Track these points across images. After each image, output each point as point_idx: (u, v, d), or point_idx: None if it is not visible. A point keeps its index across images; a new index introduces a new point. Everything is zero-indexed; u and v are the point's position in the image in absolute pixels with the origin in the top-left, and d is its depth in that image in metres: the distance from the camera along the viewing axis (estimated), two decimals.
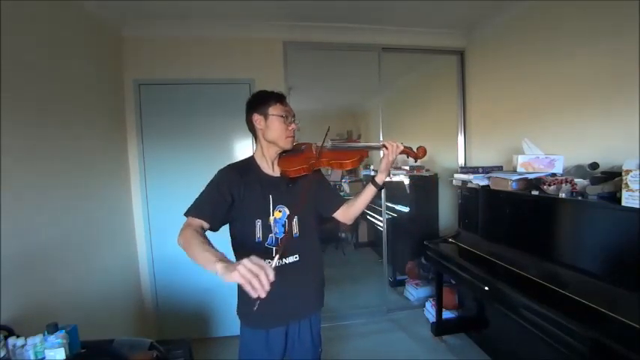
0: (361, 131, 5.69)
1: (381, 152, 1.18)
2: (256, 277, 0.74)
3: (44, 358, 1.09)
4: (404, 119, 4.19)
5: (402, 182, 3.54)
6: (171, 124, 2.45)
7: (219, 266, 0.80)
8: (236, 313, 1.20)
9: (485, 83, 2.66)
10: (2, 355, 1.07)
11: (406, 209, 3.49)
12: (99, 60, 2.12)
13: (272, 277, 0.76)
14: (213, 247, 0.90)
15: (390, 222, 3.33)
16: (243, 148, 2.53)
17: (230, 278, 0.76)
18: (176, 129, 2.46)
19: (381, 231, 3.09)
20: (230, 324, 2.55)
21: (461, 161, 2.95)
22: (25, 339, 1.09)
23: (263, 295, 0.75)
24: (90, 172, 1.95)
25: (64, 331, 1.14)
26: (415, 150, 1.19)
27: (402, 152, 1.16)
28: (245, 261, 0.76)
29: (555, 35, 1.95)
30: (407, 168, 3.48)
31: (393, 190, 3.66)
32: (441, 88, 3.25)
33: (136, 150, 2.43)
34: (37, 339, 1.09)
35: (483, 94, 2.70)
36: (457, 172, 2.37)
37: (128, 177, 2.43)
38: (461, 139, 2.96)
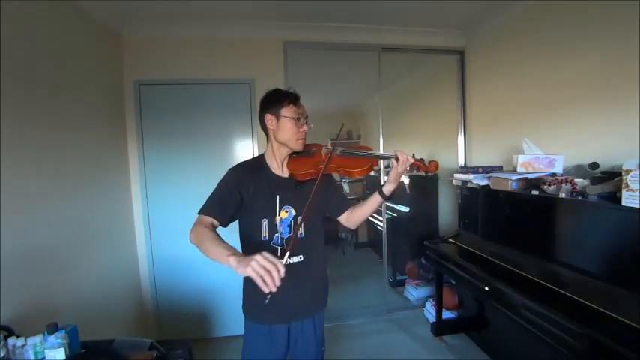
0: (361, 131, 5.69)
1: (392, 162, 1.14)
2: (268, 272, 0.79)
3: (44, 358, 1.09)
4: (404, 119, 4.19)
5: (402, 182, 3.54)
6: (171, 124, 2.46)
7: (232, 259, 0.84)
8: (241, 308, 1.22)
9: (486, 83, 2.66)
10: (2, 355, 1.07)
11: (406, 209, 3.49)
12: (99, 60, 2.12)
13: (283, 272, 0.80)
14: (224, 241, 0.94)
15: (390, 222, 3.33)
16: (243, 148, 2.53)
17: (243, 272, 0.80)
18: (176, 129, 2.46)
19: (381, 231, 3.09)
20: (230, 324, 2.55)
21: (461, 161, 2.95)
22: (25, 339, 1.09)
23: (274, 289, 0.79)
24: (90, 172, 1.95)
25: (64, 331, 1.14)
26: (427, 164, 1.15)
27: (412, 165, 1.13)
28: (258, 256, 0.80)
29: (555, 35, 1.95)
30: (407, 168, 3.48)
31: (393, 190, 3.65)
32: (441, 88, 3.25)
33: (136, 150, 2.43)
34: (37, 339, 1.09)
35: (483, 94, 2.70)
36: (457, 172, 2.37)
37: (128, 177, 2.43)
38: (461, 139, 2.96)
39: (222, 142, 2.52)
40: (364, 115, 5.56)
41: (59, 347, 1.09)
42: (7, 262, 1.30)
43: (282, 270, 0.80)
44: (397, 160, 1.11)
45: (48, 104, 1.62)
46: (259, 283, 0.79)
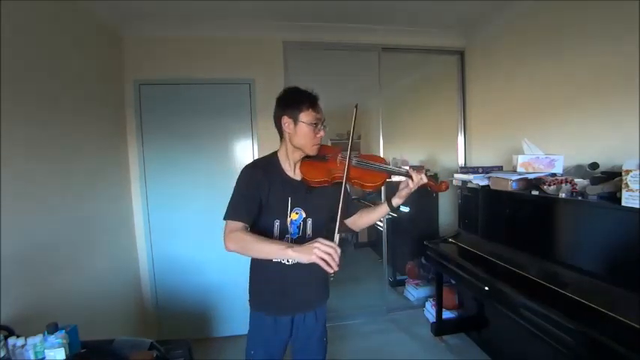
0: (361, 131, 5.68)
1: (402, 179, 1.18)
2: (330, 256, 0.89)
3: (44, 358, 1.08)
4: (404, 119, 4.19)
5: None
6: (172, 124, 2.46)
7: (292, 252, 0.94)
8: (248, 302, 1.26)
9: (486, 83, 2.66)
10: (2, 355, 1.07)
11: (406, 209, 3.49)
12: (99, 60, 2.12)
13: (339, 252, 0.91)
14: (271, 239, 1.04)
15: (390, 222, 3.33)
16: (243, 148, 2.53)
17: (308, 259, 0.91)
18: (176, 129, 2.46)
19: (381, 231, 3.09)
20: (230, 324, 2.55)
21: (461, 161, 2.95)
22: (25, 339, 1.09)
23: (337, 269, 0.90)
24: (90, 172, 1.95)
25: (64, 331, 1.14)
26: (438, 183, 1.17)
27: (424, 185, 1.15)
28: (318, 244, 0.90)
29: (555, 35, 1.95)
30: (407, 168, 3.48)
31: (393, 190, 3.65)
32: (441, 88, 3.25)
33: (136, 150, 2.43)
34: (37, 339, 1.09)
35: (483, 94, 2.70)
36: (457, 172, 2.37)
37: (128, 177, 2.43)
38: (461, 139, 2.96)
39: (222, 142, 2.52)
40: (364, 115, 5.54)
41: (59, 347, 1.09)
42: (7, 262, 1.30)
43: (339, 250, 0.90)
44: (411, 178, 1.14)
45: (48, 104, 1.61)
46: (324, 266, 0.89)
